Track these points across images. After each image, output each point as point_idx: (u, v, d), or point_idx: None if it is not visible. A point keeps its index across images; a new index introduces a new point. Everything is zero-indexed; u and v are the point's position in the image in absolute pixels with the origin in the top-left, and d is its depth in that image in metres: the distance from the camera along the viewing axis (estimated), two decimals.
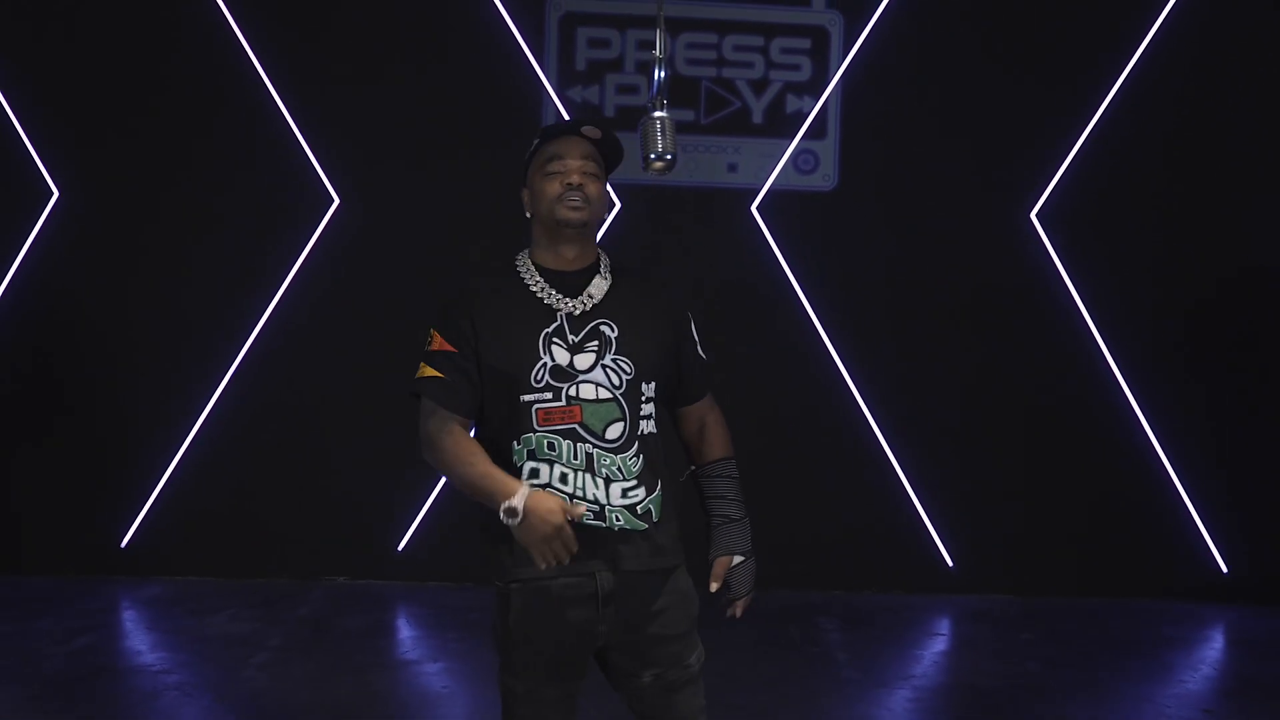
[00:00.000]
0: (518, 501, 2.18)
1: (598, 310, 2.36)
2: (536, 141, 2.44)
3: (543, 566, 2.22)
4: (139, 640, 4.92)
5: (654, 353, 2.38)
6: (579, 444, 2.30)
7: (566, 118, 5.57)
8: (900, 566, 5.77)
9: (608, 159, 2.44)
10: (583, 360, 2.32)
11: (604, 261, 2.45)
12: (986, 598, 5.72)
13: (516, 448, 2.31)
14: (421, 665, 4.65)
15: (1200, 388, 5.76)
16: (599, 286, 2.39)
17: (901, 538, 5.76)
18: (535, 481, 2.29)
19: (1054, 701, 4.38)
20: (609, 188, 5.52)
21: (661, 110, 2.51)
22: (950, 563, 5.79)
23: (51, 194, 5.51)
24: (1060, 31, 5.65)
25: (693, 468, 2.54)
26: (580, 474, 2.29)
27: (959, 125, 5.67)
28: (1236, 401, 5.77)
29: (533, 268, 2.41)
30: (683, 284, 2.60)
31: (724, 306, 5.50)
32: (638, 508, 2.32)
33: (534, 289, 2.37)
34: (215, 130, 5.53)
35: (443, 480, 5.59)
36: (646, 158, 2.52)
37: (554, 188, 2.36)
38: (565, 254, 2.39)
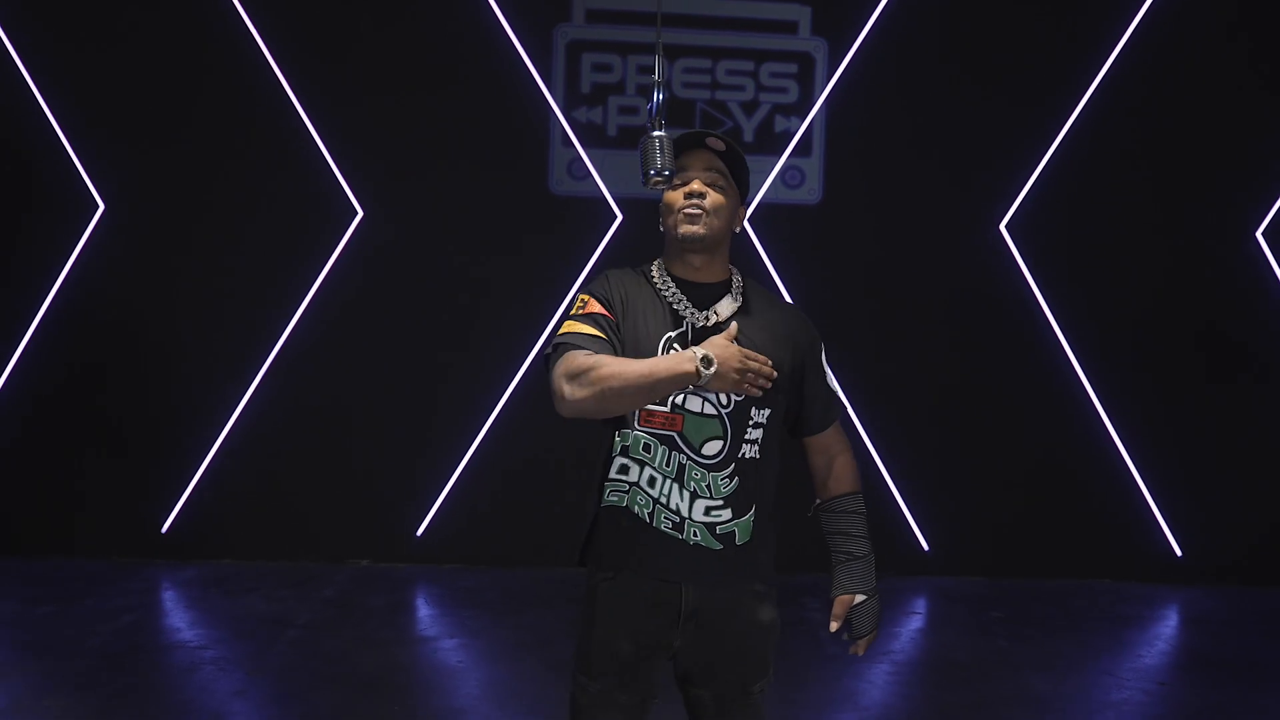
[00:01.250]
0: (703, 351, 2.01)
1: (721, 327, 2.17)
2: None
3: (757, 393, 2.06)
4: (178, 618, 4.92)
5: (776, 381, 2.14)
6: (674, 452, 2.15)
7: (571, 135, 5.57)
8: (879, 551, 5.72)
9: (737, 176, 2.24)
10: None
11: (736, 282, 2.26)
12: (959, 579, 5.72)
13: (616, 440, 2.18)
14: (439, 641, 4.64)
15: (1155, 385, 5.77)
16: (727, 305, 2.22)
17: (881, 524, 5.75)
18: (621, 476, 2.18)
19: (1021, 674, 4.38)
20: (611, 200, 5.56)
21: (660, 130, 2.49)
22: (926, 547, 5.79)
23: (98, 207, 5.50)
24: (1027, 57, 5.65)
25: (818, 501, 2.38)
26: (669, 481, 2.15)
27: (934, 144, 5.67)
28: (1189, 398, 5.77)
29: (667, 275, 2.25)
30: (808, 317, 2.38)
31: None
32: (718, 528, 2.17)
33: (666, 294, 2.22)
34: (248, 147, 5.52)
35: (459, 469, 5.59)
36: (647, 173, 2.50)
37: (676, 197, 2.20)
38: (692, 263, 2.22)
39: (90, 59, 5.44)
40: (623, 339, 2.16)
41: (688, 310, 2.20)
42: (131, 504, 5.59)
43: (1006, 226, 5.71)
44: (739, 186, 2.25)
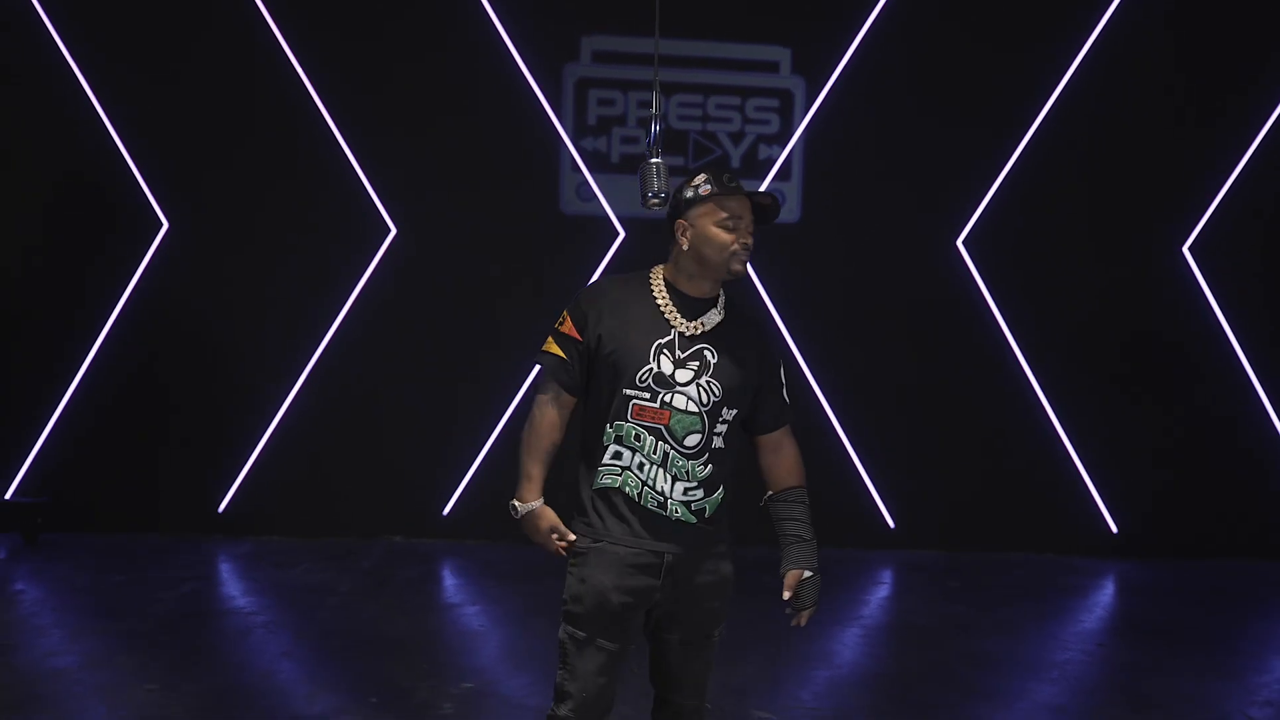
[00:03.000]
0: (521, 509, 2.33)
1: (705, 337, 2.25)
2: (710, 188, 2.26)
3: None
4: (233, 587, 4.93)
5: (740, 385, 2.26)
6: (660, 443, 2.22)
7: (579, 161, 5.57)
8: (851, 527, 5.77)
9: (767, 220, 2.32)
10: (683, 375, 2.23)
11: (722, 298, 2.32)
12: (921, 552, 5.72)
13: (609, 430, 2.25)
14: (463, 608, 4.65)
15: (1094, 382, 5.77)
16: (712, 318, 2.27)
17: (852, 503, 5.77)
18: (614, 461, 2.25)
19: (976, 636, 4.39)
20: (614, 219, 5.56)
21: (657, 157, 2.50)
22: (892, 524, 5.79)
23: (162, 225, 5.50)
24: (981, 94, 5.65)
25: (769, 493, 2.42)
26: (655, 467, 2.23)
27: (898, 170, 5.68)
28: (1123, 394, 5.77)
29: (664, 286, 2.30)
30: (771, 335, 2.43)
31: None
32: (693, 505, 2.25)
33: (659, 303, 2.28)
34: (295, 172, 5.52)
35: (480, 456, 5.60)
36: (645, 196, 2.51)
37: (721, 238, 2.23)
38: (703, 287, 2.28)
39: (156, 95, 5.44)
40: (598, 352, 2.26)
41: (678, 320, 2.26)
42: (192, 487, 5.59)
43: (963, 242, 5.71)
44: None
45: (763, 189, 5.62)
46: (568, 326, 2.29)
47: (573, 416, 2.34)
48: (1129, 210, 5.72)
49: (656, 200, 2.49)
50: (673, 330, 2.25)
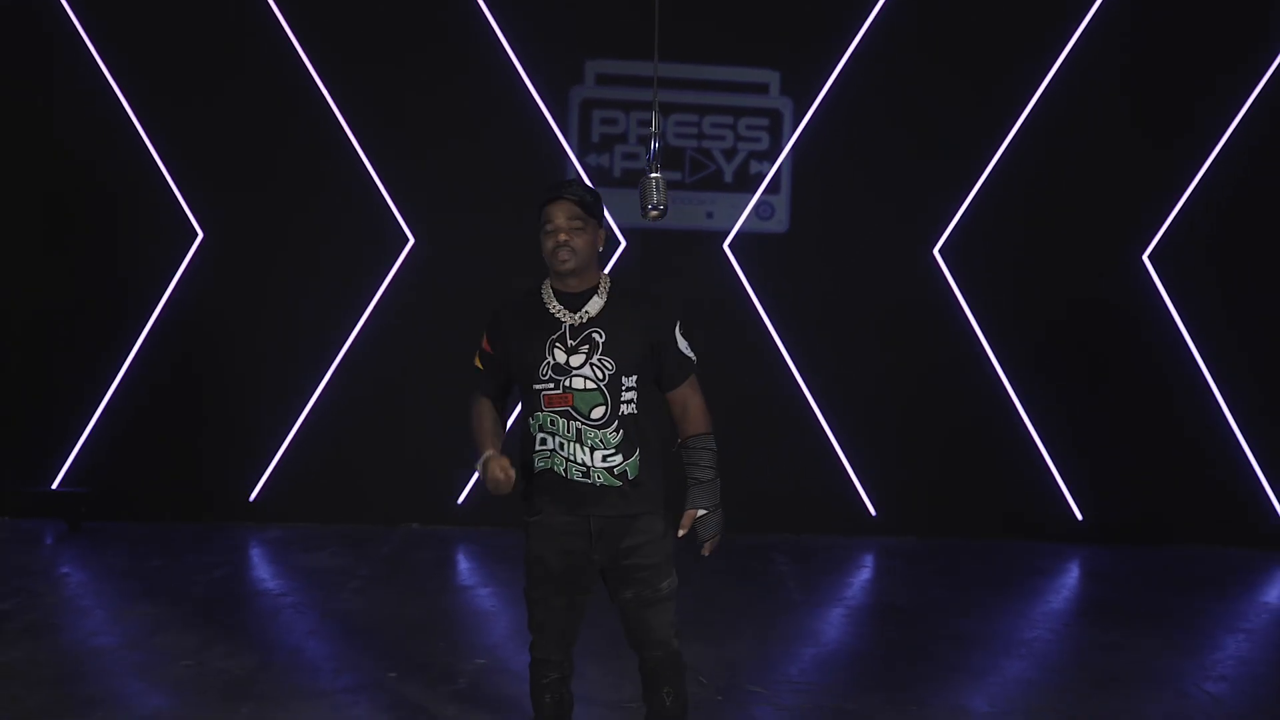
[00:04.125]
0: (478, 462, 2.40)
1: (592, 322, 2.37)
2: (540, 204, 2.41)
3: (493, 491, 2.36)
4: (263, 571, 4.92)
5: (634, 354, 2.36)
6: (571, 421, 2.36)
7: (584, 176, 5.57)
8: (835, 514, 5.77)
9: (591, 206, 2.38)
10: (576, 359, 2.35)
11: (604, 285, 2.42)
12: (901, 539, 5.72)
13: (532, 421, 2.42)
14: (476, 590, 4.65)
15: (1060, 380, 5.77)
16: (595, 304, 2.39)
17: (836, 493, 5.76)
18: (542, 447, 2.40)
19: (952, 617, 4.38)
20: (616, 229, 5.56)
21: (656, 172, 2.50)
22: (873, 512, 5.78)
23: (198, 235, 5.50)
24: (956, 112, 5.64)
25: (679, 441, 2.50)
26: (572, 444, 2.36)
27: (880, 183, 5.67)
28: (1088, 390, 5.77)
29: (550, 291, 2.43)
30: (673, 301, 2.52)
31: (705, 319, 5.48)
32: (614, 469, 2.37)
33: (549, 306, 2.40)
34: (321, 186, 5.52)
35: None
36: (645, 208, 2.51)
37: (548, 244, 2.36)
38: (568, 283, 2.40)
39: (191, 115, 5.44)
40: (509, 358, 2.43)
41: (564, 314, 2.38)
42: (225, 477, 5.59)
43: (939, 251, 5.71)
44: (595, 217, 2.39)
45: (753, 202, 5.63)
46: (484, 343, 2.49)
47: (503, 416, 2.56)
48: (1093, 221, 5.71)
49: (655, 212, 2.50)
50: (562, 324, 2.38)
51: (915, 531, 5.76)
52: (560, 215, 2.35)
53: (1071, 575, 5.28)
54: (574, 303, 2.39)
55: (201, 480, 5.57)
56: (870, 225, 5.68)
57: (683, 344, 2.46)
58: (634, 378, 2.37)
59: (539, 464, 2.42)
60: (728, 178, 5.65)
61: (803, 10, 5.60)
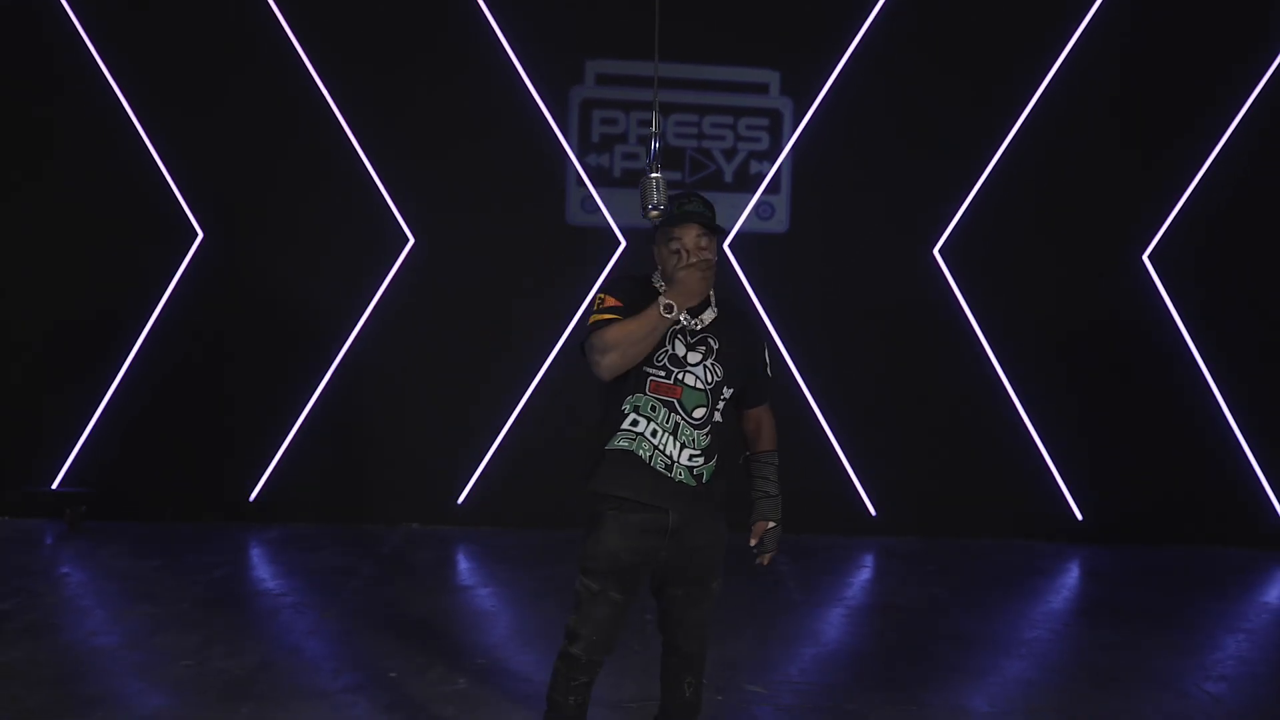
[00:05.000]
0: (663, 300, 2.31)
1: (707, 329, 2.43)
2: (657, 214, 2.44)
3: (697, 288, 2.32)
4: (263, 571, 4.92)
5: (738, 368, 2.45)
6: (672, 414, 2.38)
7: (584, 176, 5.57)
8: (836, 515, 5.77)
9: (714, 225, 2.42)
10: (694, 356, 2.39)
11: (713, 297, 2.49)
12: (901, 539, 5.72)
13: (629, 400, 2.39)
14: (475, 590, 4.64)
15: (1061, 380, 5.77)
16: (710, 314, 2.45)
17: (836, 493, 5.76)
18: (632, 428, 2.38)
19: (952, 616, 4.38)
20: (616, 229, 5.56)
21: (656, 172, 2.50)
22: (873, 512, 5.79)
23: (198, 235, 5.50)
24: (956, 113, 5.65)
25: (747, 453, 2.59)
26: (666, 434, 2.38)
27: (879, 183, 5.67)
28: (1088, 391, 5.77)
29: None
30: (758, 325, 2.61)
31: None
32: (694, 470, 2.40)
33: None
34: (321, 187, 5.52)
35: (493, 449, 5.59)
36: (645, 208, 2.51)
37: (673, 261, 2.40)
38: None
39: (191, 115, 5.44)
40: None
41: (684, 318, 2.42)
42: (225, 477, 5.59)
43: (939, 251, 5.71)
44: (716, 233, 2.44)
45: (753, 202, 5.63)
46: (609, 301, 2.39)
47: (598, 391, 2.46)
48: (1093, 221, 5.72)
49: (655, 212, 2.49)
50: (681, 322, 2.41)
51: (915, 531, 5.76)
52: (690, 233, 2.39)
53: (1071, 575, 5.28)
54: (690, 309, 2.42)
55: (201, 480, 5.57)
56: (870, 225, 5.68)
57: (768, 366, 2.58)
58: (731, 390, 2.44)
59: (621, 442, 2.40)
60: (728, 178, 5.65)
61: (803, 10, 5.60)
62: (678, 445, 2.38)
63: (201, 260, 5.50)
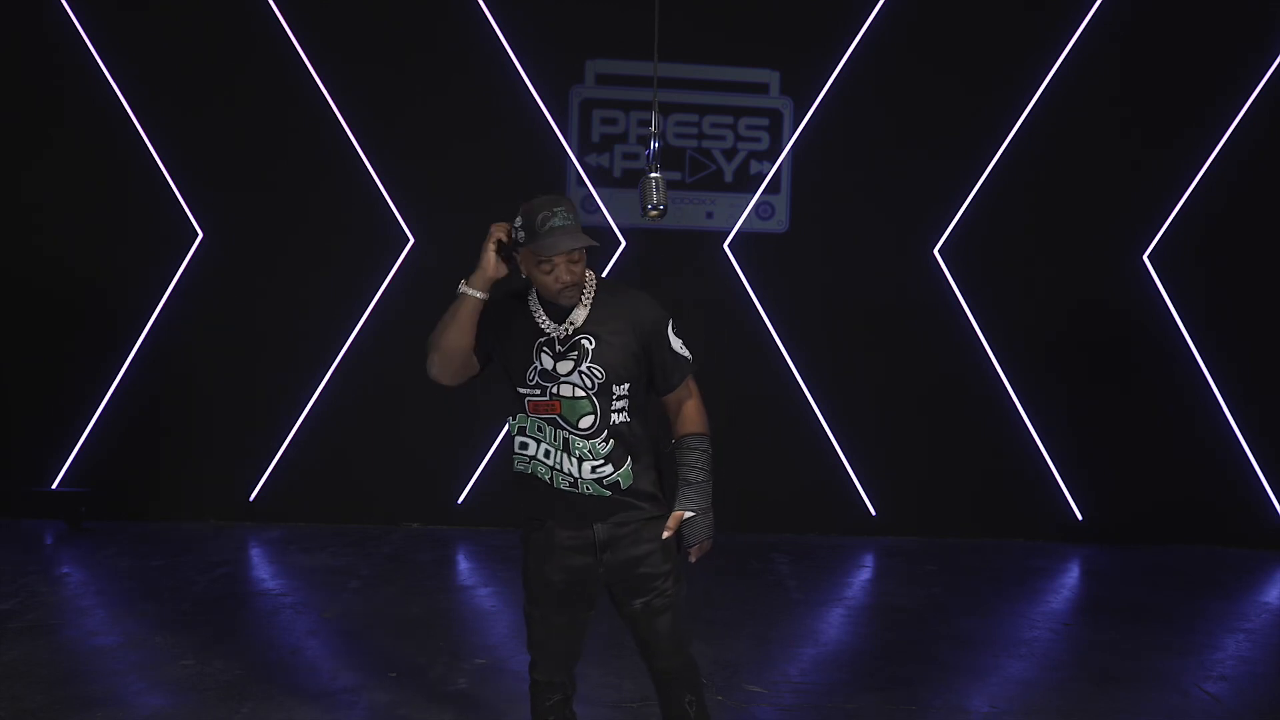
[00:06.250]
0: (464, 288, 2.33)
1: (579, 330, 2.25)
2: (522, 232, 2.30)
3: (492, 250, 2.31)
4: (263, 571, 4.92)
5: (623, 360, 2.24)
6: (558, 430, 2.25)
7: (584, 176, 5.57)
8: (835, 515, 5.77)
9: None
10: (564, 366, 2.24)
11: (589, 289, 2.29)
12: (900, 539, 5.72)
13: (512, 422, 2.33)
14: (476, 590, 4.64)
15: (1060, 381, 5.76)
16: (579, 315, 2.27)
17: (836, 493, 5.76)
18: (523, 451, 2.30)
19: (951, 616, 4.38)
20: (616, 229, 5.56)
21: (656, 172, 2.50)
22: (873, 512, 5.78)
23: (197, 235, 5.50)
24: (955, 113, 5.64)
25: (672, 441, 2.39)
26: (558, 452, 2.26)
27: (879, 183, 5.67)
28: (1087, 391, 5.77)
29: (537, 301, 2.33)
30: (653, 300, 2.37)
31: (705, 318, 5.49)
32: (604, 480, 2.25)
33: (535, 316, 2.31)
34: (321, 187, 5.51)
35: (493, 448, 5.59)
36: (645, 208, 2.51)
37: (546, 281, 2.25)
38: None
39: (191, 115, 5.43)
40: (496, 356, 2.35)
41: (550, 326, 2.27)
42: (225, 477, 5.59)
43: (939, 251, 5.71)
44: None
45: (753, 202, 5.63)
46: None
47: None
48: (1093, 221, 5.71)
49: (655, 212, 2.49)
50: (546, 333, 2.28)
51: (915, 531, 5.76)
52: (561, 258, 2.22)
53: (1071, 575, 5.28)
54: (558, 313, 2.28)
55: (201, 480, 5.57)
56: (870, 225, 5.68)
57: (675, 343, 2.33)
58: (625, 385, 2.25)
59: (518, 466, 2.33)
60: (728, 178, 5.65)
61: (803, 10, 5.60)
62: (574, 460, 2.24)
63: (202, 260, 5.50)
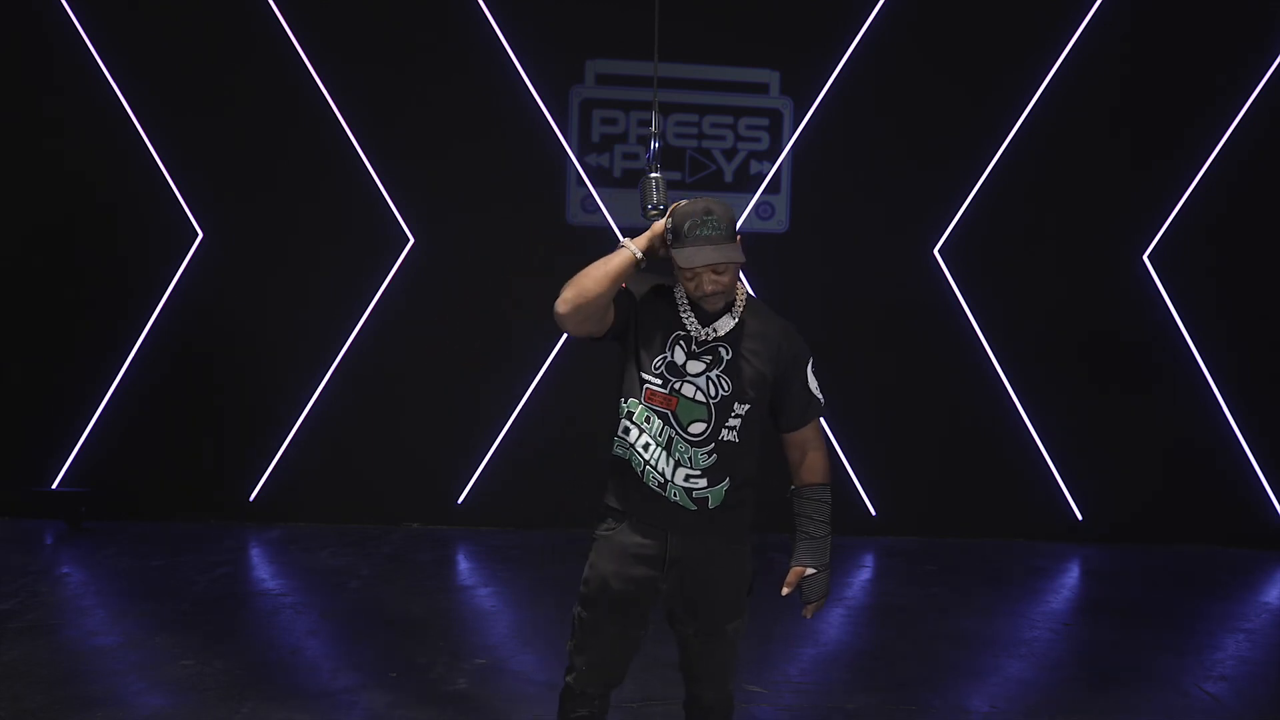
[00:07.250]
0: (625, 243, 2.19)
1: (720, 338, 2.20)
2: (670, 234, 2.18)
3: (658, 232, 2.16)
4: (263, 570, 4.92)
5: (753, 380, 2.20)
6: (666, 427, 2.18)
7: (584, 176, 5.57)
8: (835, 514, 5.73)
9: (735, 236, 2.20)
10: (694, 366, 2.18)
11: (739, 302, 2.23)
12: (901, 539, 5.72)
13: (624, 405, 2.22)
14: (475, 590, 4.64)
15: (1060, 381, 5.76)
16: (725, 323, 2.21)
17: (836, 493, 5.68)
18: (626, 438, 2.20)
19: (951, 616, 4.38)
20: (616, 230, 5.55)
21: (656, 172, 2.49)
22: (874, 512, 5.78)
23: (197, 235, 5.50)
24: (954, 114, 5.64)
25: (793, 487, 2.35)
26: (659, 449, 2.18)
27: (878, 183, 5.67)
28: (1087, 392, 5.77)
29: (686, 297, 2.24)
30: (799, 334, 2.35)
31: None
32: (693, 493, 2.19)
33: (680, 311, 2.23)
34: (322, 187, 5.51)
35: (492, 449, 5.59)
36: (645, 208, 2.50)
37: (689, 286, 2.19)
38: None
39: (191, 115, 5.43)
40: (630, 334, 2.23)
41: (693, 326, 2.21)
42: (225, 477, 5.58)
43: (939, 251, 5.71)
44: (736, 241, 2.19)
45: (753, 202, 5.63)
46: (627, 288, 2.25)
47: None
48: (1093, 221, 5.71)
49: (655, 212, 2.49)
50: (687, 329, 2.21)
51: (915, 531, 5.76)
52: (706, 275, 2.15)
53: (1071, 575, 5.28)
54: (704, 316, 2.21)
55: (201, 480, 5.57)
56: (870, 225, 5.68)
57: (813, 383, 2.30)
58: (746, 406, 2.20)
59: (616, 449, 2.24)
60: (728, 178, 5.65)
61: (802, 10, 5.60)
62: (671, 462, 2.17)
63: (202, 260, 5.50)
